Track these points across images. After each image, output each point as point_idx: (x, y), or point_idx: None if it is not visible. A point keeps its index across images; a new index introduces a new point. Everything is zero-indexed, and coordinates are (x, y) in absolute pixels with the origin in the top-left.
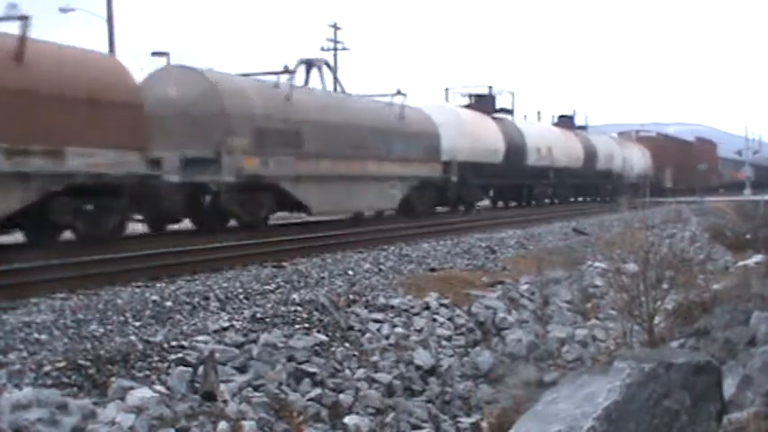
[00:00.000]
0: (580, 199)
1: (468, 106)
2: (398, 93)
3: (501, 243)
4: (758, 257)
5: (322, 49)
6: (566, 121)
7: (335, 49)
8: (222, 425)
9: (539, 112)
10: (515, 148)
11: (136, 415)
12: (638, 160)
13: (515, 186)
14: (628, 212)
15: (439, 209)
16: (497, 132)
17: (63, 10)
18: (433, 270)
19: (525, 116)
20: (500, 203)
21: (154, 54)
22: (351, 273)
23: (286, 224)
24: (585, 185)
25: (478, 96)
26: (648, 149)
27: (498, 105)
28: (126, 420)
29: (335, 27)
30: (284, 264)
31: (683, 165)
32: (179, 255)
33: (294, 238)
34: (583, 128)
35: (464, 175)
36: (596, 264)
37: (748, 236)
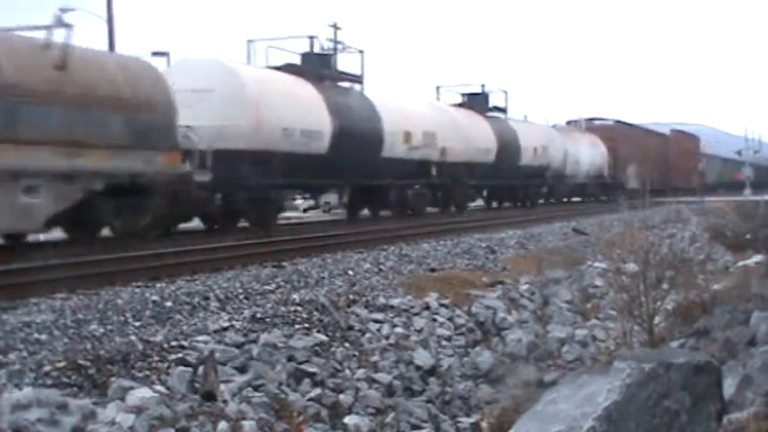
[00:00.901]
0: (495, 204)
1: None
2: (61, 23)
3: (501, 243)
4: (758, 257)
5: (322, 49)
6: (475, 101)
7: (335, 49)
8: (222, 425)
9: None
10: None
11: (136, 415)
12: (588, 155)
13: (370, 189)
14: (628, 212)
15: None
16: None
17: (63, 10)
18: (433, 270)
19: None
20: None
21: (154, 54)
22: (351, 273)
23: (286, 224)
24: (500, 187)
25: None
26: (605, 142)
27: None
28: (126, 420)
29: (335, 27)
30: (284, 264)
31: (655, 161)
32: (179, 255)
33: (294, 238)
34: (501, 110)
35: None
36: (596, 264)
37: (748, 236)
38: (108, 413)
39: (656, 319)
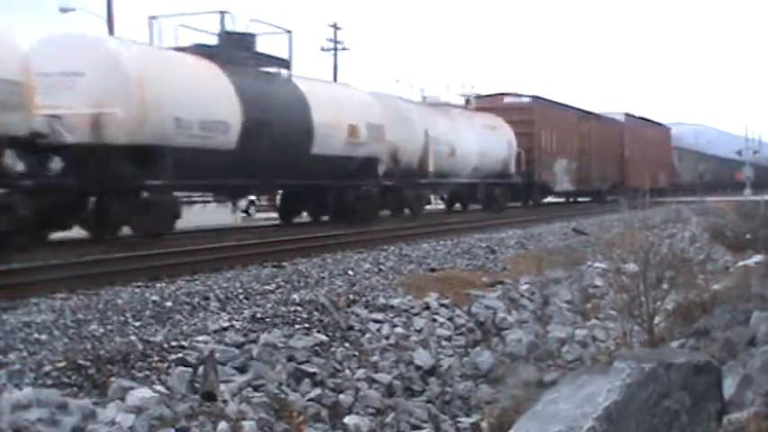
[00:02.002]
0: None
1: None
2: None
3: (501, 243)
4: (758, 257)
5: (322, 49)
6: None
7: (335, 49)
8: (222, 425)
9: None
10: None
11: (136, 415)
12: (478, 143)
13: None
14: (628, 213)
15: None
16: None
17: (63, 10)
18: (433, 270)
19: None
20: None
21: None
22: (351, 273)
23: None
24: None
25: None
26: (515, 126)
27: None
28: (126, 420)
29: (335, 27)
30: (284, 264)
31: (602, 154)
32: (179, 255)
33: (294, 238)
34: (280, 62)
35: None
36: (596, 264)
37: (748, 236)
38: (108, 413)
39: (656, 319)
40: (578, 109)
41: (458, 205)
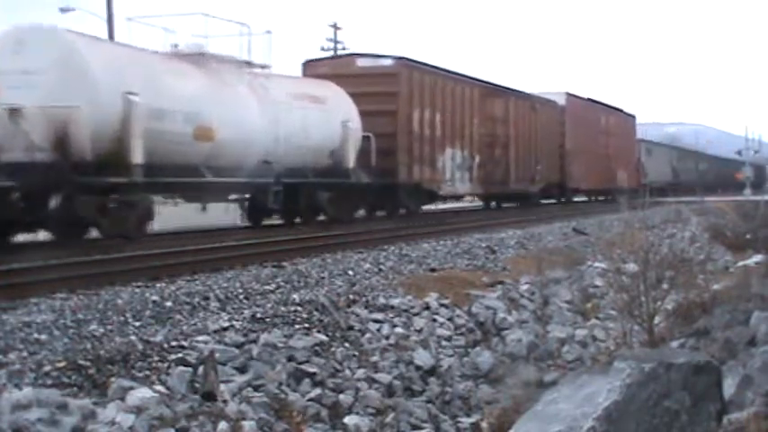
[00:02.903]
0: None
1: None
2: None
3: (501, 243)
4: (758, 257)
5: (322, 49)
6: None
7: (335, 50)
8: (222, 425)
9: None
10: None
11: (136, 415)
12: (264, 121)
13: None
14: (628, 212)
15: None
16: None
17: (63, 10)
18: (433, 270)
19: None
20: None
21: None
22: (351, 273)
23: (286, 224)
24: None
25: None
26: (368, 101)
27: None
28: (126, 420)
29: (335, 27)
30: (284, 264)
31: (527, 146)
32: (179, 255)
33: (294, 238)
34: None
35: None
36: (596, 264)
37: (748, 236)
38: (108, 413)
39: (656, 319)
40: (483, 81)
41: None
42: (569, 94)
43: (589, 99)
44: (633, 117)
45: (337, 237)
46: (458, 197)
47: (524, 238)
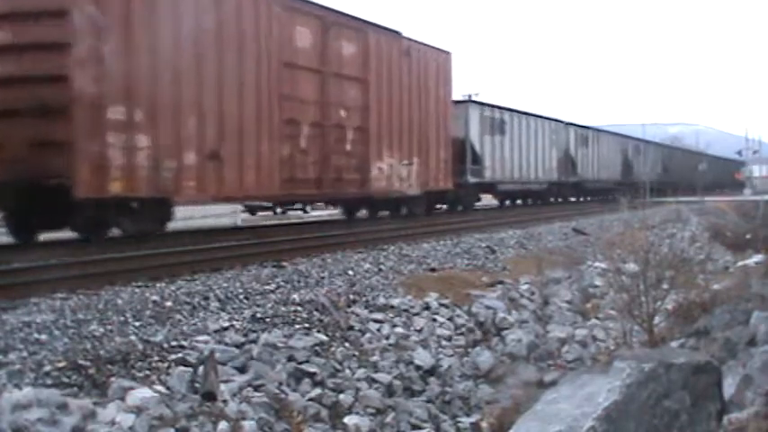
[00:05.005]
0: None
1: None
2: None
3: (501, 243)
4: (758, 257)
5: None
6: None
7: None
8: (222, 425)
9: None
10: None
11: (136, 415)
12: None
13: None
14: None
15: None
16: None
17: None
18: (433, 270)
19: None
20: None
21: None
22: (351, 273)
23: (286, 224)
24: None
25: None
26: None
27: None
28: (126, 420)
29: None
30: (284, 264)
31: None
32: (179, 255)
33: (294, 238)
34: None
35: None
36: (596, 264)
37: (748, 236)
38: (108, 413)
39: (656, 319)
40: None
41: None
42: (375, 24)
43: (392, 30)
44: (448, 54)
45: (338, 237)
46: None
47: (524, 238)
